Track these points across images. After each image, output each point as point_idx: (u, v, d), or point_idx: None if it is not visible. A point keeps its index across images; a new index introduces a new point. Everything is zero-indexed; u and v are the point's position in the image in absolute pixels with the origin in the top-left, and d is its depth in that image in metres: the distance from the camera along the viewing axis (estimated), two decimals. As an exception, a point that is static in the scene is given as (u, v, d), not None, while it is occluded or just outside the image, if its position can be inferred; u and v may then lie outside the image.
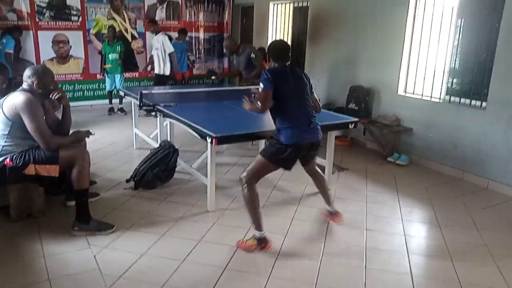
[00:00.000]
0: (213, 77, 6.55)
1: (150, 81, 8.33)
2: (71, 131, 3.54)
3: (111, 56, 7.40)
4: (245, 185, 3.01)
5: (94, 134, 3.65)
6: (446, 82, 5.06)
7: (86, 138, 3.64)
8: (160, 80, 7.57)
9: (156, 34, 7.60)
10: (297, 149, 3.00)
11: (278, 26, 8.20)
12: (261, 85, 2.99)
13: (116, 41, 7.46)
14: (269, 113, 3.13)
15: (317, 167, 3.52)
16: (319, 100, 3.44)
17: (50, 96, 3.28)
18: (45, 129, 3.13)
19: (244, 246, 3.05)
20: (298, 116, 3.02)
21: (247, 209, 3.04)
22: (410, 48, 5.43)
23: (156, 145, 4.60)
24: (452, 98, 4.98)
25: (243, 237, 3.18)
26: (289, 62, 3.19)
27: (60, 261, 2.86)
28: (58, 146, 3.18)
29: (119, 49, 7.44)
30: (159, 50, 7.44)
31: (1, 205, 3.47)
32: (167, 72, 7.56)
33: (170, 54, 7.45)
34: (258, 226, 3.01)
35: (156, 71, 7.62)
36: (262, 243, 3.00)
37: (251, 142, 5.10)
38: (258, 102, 3.03)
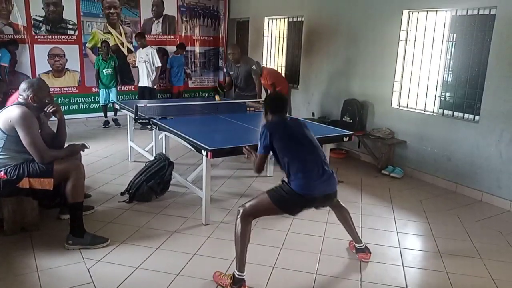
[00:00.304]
0: (217, 98, 5.88)
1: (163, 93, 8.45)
2: (66, 144, 3.54)
3: (106, 71, 7.45)
4: (241, 218, 2.75)
5: (89, 147, 3.65)
6: (439, 96, 5.12)
7: (81, 151, 3.63)
8: (143, 92, 7.61)
9: (143, 48, 7.54)
10: (309, 200, 2.80)
11: (273, 41, 8.29)
12: (259, 143, 2.90)
13: (110, 57, 7.52)
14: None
15: (340, 201, 3.21)
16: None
17: (45, 109, 3.28)
18: (40, 142, 3.13)
19: (219, 280, 2.81)
20: (308, 166, 2.78)
21: (235, 244, 2.76)
22: (404, 62, 5.50)
23: (151, 158, 4.60)
24: (446, 112, 5.04)
25: (234, 257, 2.99)
26: (285, 115, 3.07)
27: (53, 275, 2.83)
28: (52, 159, 3.18)
29: (114, 64, 7.49)
30: (148, 63, 7.44)
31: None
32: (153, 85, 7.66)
33: (156, 68, 7.50)
34: (240, 266, 2.73)
35: (141, 83, 7.64)
36: (237, 284, 2.70)
37: (245, 155, 5.10)
38: (252, 164, 3.00)
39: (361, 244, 3.22)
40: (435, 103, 5.17)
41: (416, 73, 5.40)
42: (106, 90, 7.52)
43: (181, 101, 6.80)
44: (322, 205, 3.01)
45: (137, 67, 7.75)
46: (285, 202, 2.77)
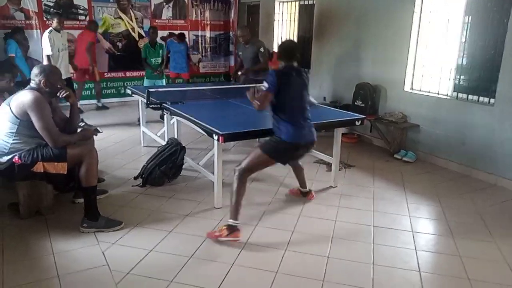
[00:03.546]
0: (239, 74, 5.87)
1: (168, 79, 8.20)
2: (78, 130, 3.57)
3: (155, 60, 6.91)
4: (238, 175, 3.14)
5: (101, 132, 3.67)
6: (453, 79, 5.03)
7: (94, 136, 3.66)
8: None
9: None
10: (296, 147, 3.22)
11: (284, 24, 8.19)
12: (265, 83, 3.12)
13: (159, 45, 7.06)
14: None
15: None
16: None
17: (58, 94, 3.31)
18: (52, 127, 3.15)
19: (213, 234, 3.14)
20: (298, 116, 3.20)
21: (232, 199, 3.15)
22: (417, 44, 5.40)
23: (164, 143, 4.62)
24: (460, 95, 4.95)
25: (249, 235, 3.22)
26: (296, 63, 3.29)
27: (69, 258, 2.88)
28: (65, 144, 3.21)
29: (162, 53, 7.05)
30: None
31: (11, 201, 3.51)
32: None
33: None
34: (235, 215, 3.13)
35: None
36: (232, 231, 3.10)
37: (257, 139, 5.10)
38: (256, 101, 3.15)
39: (306, 189, 3.89)
40: (449, 86, 5.08)
41: (430, 56, 5.30)
42: (153, 82, 6.87)
43: (192, 86, 6.79)
44: (304, 152, 3.38)
45: None
46: (277, 151, 3.19)
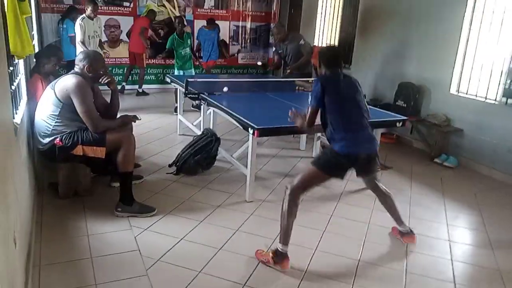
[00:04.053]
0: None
1: (197, 69, 8.15)
2: (119, 115, 3.64)
3: (183, 51, 6.82)
4: (289, 195, 2.75)
5: (140, 119, 3.72)
6: (503, 83, 4.76)
7: (133, 123, 3.72)
8: None
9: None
10: (352, 159, 2.79)
11: (327, 18, 8.03)
12: (310, 98, 2.88)
13: (186, 34, 6.94)
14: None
15: (381, 185, 3.17)
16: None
17: (100, 80, 3.37)
18: (93, 112, 3.23)
19: (261, 257, 2.82)
20: (354, 125, 2.81)
21: (281, 218, 2.77)
22: (466, 46, 5.16)
23: (199, 133, 4.65)
24: (509, 100, 4.69)
25: (276, 235, 3.10)
26: (341, 70, 2.98)
27: (102, 240, 2.95)
28: (105, 129, 3.28)
29: (190, 42, 6.95)
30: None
31: (51, 181, 3.63)
32: None
33: None
34: (285, 239, 2.75)
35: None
36: (280, 258, 2.73)
37: (292, 134, 5.05)
38: (301, 121, 2.97)
39: (406, 227, 3.16)
40: (498, 91, 4.82)
41: (479, 58, 5.04)
42: (183, 72, 6.83)
43: (231, 77, 6.78)
44: (364, 167, 2.91)
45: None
46: (330, 166, 2.79)
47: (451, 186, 4.45)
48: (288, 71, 5.77)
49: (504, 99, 4.75)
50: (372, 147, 2.87)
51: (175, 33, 6.91)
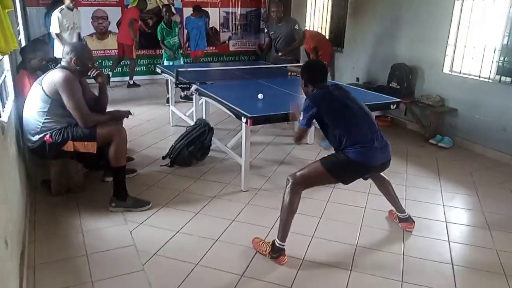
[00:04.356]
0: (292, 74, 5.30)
1: (187, 58, 8.05)
2: (110, 109, 3.58)
3: (172, 40, 6.78)
4: (291, 187, 2.65)
5: (133, 115, 3.67)
6: (497, 61, 4.73)
7: (125, 118, 3.67)
8: None
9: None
10: (366, 168, 2.72)
11: (318, 0, 7.92)
12: (301, 116, 2.78)
13: (174, 23, 6.89)
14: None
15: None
16: None
17: (88, 73, 3.31)
18: (82, 106, 3.17)
19: (258, 247, 2.78)
20: (365, 136, 2.66)
21: (281, 212, 2.69)
22: (459, 23, 5.10)
23: (192, 123, 4.60)
24: (503, 78, 4.66)
25: (273, 224, 3.10)
26: (326, 83, 2.88)
27: (97, 237, 2.92)
28: (95, 123, 3.23)
29: (178, 31, 6.89)
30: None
31: (43, 179, 3.59)
32: None
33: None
34: (283, 235, 2.68)
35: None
36: (277, 253, 2.67)
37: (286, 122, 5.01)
38: (295, 137, 2.90)
39: (405, 214, 3.12)
40: (492, 69, 4.78)
41: (472, 36, 4.99)
42: (172, 62, 6.74)
43: (222, 65, 6.71)
44: (376, 173, 2.93)
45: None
46: (341, 170, 2.68)
47: (446, 166, 4.44)
48: (280, 53, 5.69)
49: (498, 77, 4.72)
50: (387, 154, 2.77)
51: (162, 22, 6.82)
